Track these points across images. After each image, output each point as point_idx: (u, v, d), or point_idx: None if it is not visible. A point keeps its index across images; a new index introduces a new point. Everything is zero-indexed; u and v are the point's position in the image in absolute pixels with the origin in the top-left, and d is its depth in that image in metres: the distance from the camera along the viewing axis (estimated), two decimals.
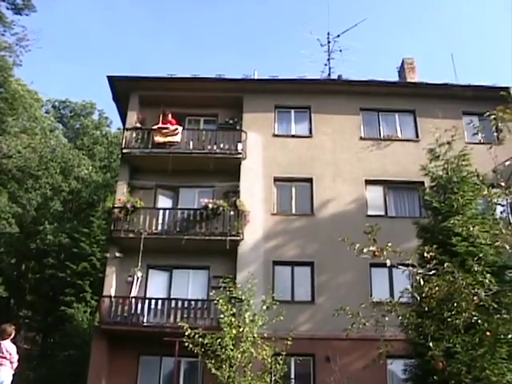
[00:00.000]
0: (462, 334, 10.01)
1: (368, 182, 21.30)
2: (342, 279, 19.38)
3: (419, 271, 8.36)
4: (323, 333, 18.15)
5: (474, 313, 8.39)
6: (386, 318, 9.53)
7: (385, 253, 8.25)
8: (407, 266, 8.62)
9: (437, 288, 8.25)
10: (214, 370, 13.70)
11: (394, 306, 9.38)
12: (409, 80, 24.97)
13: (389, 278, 19.21)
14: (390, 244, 8.47)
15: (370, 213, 20.58)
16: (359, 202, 20.85)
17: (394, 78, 26.15)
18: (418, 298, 8.64)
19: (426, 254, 8.60)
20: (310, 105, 22.80)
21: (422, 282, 8.30)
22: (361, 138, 22.17)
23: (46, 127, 40.55)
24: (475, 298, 8.15)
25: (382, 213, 20.88)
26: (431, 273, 8.39)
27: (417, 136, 22.24)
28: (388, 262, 8.14)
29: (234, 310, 14.89)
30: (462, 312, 8.38)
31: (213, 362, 13.79)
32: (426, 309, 9.13)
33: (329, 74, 26.50)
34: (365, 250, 8.12)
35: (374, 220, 10.93)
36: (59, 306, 31.47)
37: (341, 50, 26.98)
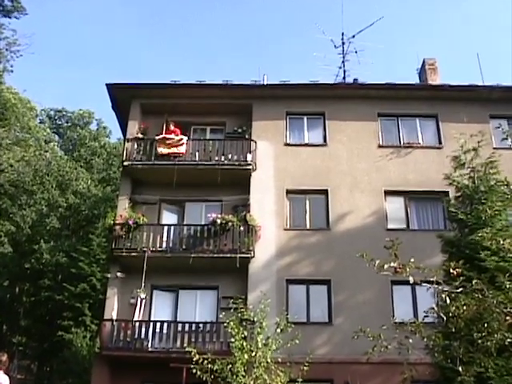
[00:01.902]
0: (495, 357, 9.98)
1: (388, 193, 21.31)
2: (362, 298, 19.34)
3: (445, 289, 8.39)
4: (342, 356, 18.11)
5: (507, 334, 8.38)
6: (410, 340, 9.56)
7: (407, 269, 8.31)
8: (432, 283, 8.65)
9: (465, 307, 8.27)
10: None
11: (418, 327, 9.41)
12: (430, 82, 24.98)
13: (412, 296, 19.14)
14: (412, 259, 8.52)
15: (390, 226, 20.58)
16: (378, 215, 20.86)
17: (414, 80, 26.21)
18: (445, 318, 8.66)
19: (451, 270, 8.63)
20: (324, 111, 22.91)
21: (448, 301, 8.33)
22: (379, 146, 22.23)
23: (40, 138, 40.98)
24: (508, 317, 8.15)
25: (404, 226, 20.86)
26: (458, 290, 8.42)
27: (440, 142, 22.26)
28: (411, 279, 8.19)
29: (246, 333, 14.93)
30: (494, 333, 8.38)
31: None
32: (454, 330, 9.14)
33: (343, 78, 26.61)
34: (385, 267, 8.17)
35: (395, 234, 10.95)
36: (56, 331, 31.52)
37: (356, 52, 27.08)
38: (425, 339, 9.76)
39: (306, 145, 22.57)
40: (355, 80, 24.86)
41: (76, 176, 40.28)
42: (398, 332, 9.67)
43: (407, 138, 22.59)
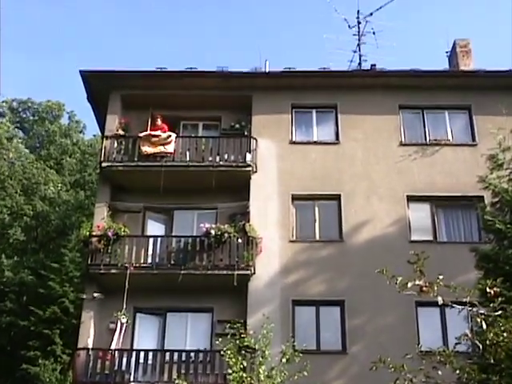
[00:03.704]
0: None
1: (411, 199, 21.40)
2: (381, 323, 19.40)
3: (480, 311, 8.43)
4: None
5: None
6: (439, 373, 9.58)
7: (435, 288, 8.36)
8: (464, 304, 8.71)
9: (505, 333, 8.30)
10: None
11: (448, 357, 9.43)
12: (462, 68, 25.08)
13: (441, 320, 19.23)
14: (441, 277, 8.58)
15: (414, 238, 20.67)
16: (400, 225, 20.94)
17: (444, 65, 26.34)
18: (481, 347, 8.67)
19: (488, 290, 8.67)
20: (336, 103, 23.04)
21: (484, 326, 8.36)
22: (401, 144, 22.34)
23: (1, 135, 40.94)
24: None
25: (430, 237, 20.96)
26: (497, 313, 8.45)
27: (473, 139, 22.41)
28: (439, 300, 8.23)
29: (245, 364, 14.97)
30: None
31: None
32: (492, 361, 9.14)
33: (359, 64, 26.79)
34: (409, 285, 8.22)
35: (420, 247, 10.99)
36: (20, 363, 31.36)
37: (374, 33, 27.31)
38: (457, 371, 9.76)
39: (315, 143, 22.69)
40: (373, 66, 24.95)
41: (44, 179, 40.28)
42: (424, 363, 9.70)
43: (434, 135, 22.71)
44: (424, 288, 8.17)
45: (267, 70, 24.09)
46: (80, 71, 22.80)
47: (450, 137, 22.68)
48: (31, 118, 48.80)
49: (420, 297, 8.79)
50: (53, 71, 76.75)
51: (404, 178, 21.63)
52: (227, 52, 76.53)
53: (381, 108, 22.77)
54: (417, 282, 8.19)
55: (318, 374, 17.00)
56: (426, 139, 22.62)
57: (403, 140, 22.47)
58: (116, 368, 18.73)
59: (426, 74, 23.19)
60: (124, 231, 20.50)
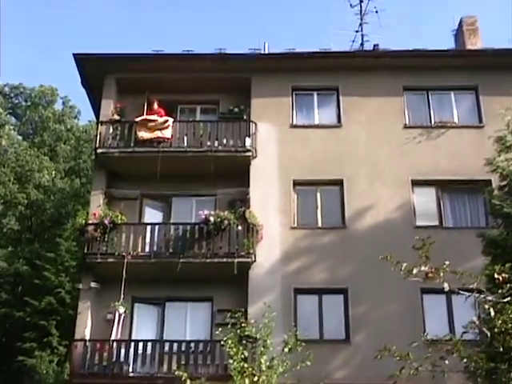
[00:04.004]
0: None
1: (416, 184, 21.39)
2: (386, 310, 19.43)
3: (488, 298, 8.42)
4: (363, 381, 18.14)
5: None
6: (446, 362, 9.59)
7: (441, 274, 8.35)
8: (471, 291, 8.70)
9: None
10: None
11: (455, 346, 9.44)
12: (469, 47, 24.95)
13: (447, 307, 19.28)
14: (447, 262, 8.57)
15: (419, 223, 20.67)
16: (405, 210, 20.94)
17: (449, 45, 26.22)
18: (489, 335, 8.67)
19: (496, 276, 8.67)
20: (338, 85, 22.97)
21: (492, 313, 8.35)
22: (405, 126, 22.29)
23: None
24: None
25: (436, 222, 20.97)
26: (505, 300, 8.44)
27: (480, 121, 22.36)
28: (446, 287, 8.23)
29: (247, 354, 14.96)
30: None
31: None
32: (501, 349, 9.14)
33: (361, 44, 26.67)
34: (414, 271, 8.23)
35: (426, 232, 10.94)
36: (15, 355, 31.45)
37: (377, 12, 27.14)
38: (464, 360, 9.77)
39: (317, 126, 22.66)
40: (376, 46, 24.85)
41: (38, 166, 40.21)
42: (430, 351, 9.72)
43: (439, 116, 22.66)
44: (430, 274, 8.18)
45: (266, 52, 23.98)
46: (73, 55, 22.75)
47: (455, 119, 22.63)
48: (24, 103, 48.62)
49: (425, 283, 8.79)
50: (45, 55, 76.49)
51: (408, 162, 21.58)
52: (225, 35, 76.17)
53: (384, 90, 22.70)
54: (422, 268, 8.20)
55: (321, 364, 17.04)
56: (430, 121, 22.57)
57: (407, 122, 22.42)
58: (114, 359, 18.78)
59: (431, 53, 23.11)
60: (121, 219, 20.51)
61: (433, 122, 22.51)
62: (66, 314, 31.45)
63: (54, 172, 41.23)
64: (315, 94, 23.20)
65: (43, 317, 32.32)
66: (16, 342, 32.34)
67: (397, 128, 22.23)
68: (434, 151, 21.76)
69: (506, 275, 8.58)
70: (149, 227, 20.77)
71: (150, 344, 19.13)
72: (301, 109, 23.09)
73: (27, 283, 34.95)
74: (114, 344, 19.06)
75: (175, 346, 19.01)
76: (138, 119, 21.86)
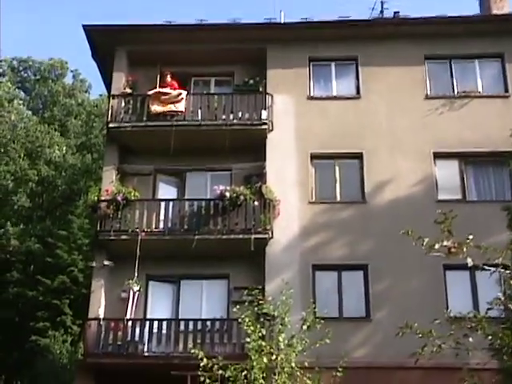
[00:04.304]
0: None
1: (438, 156, 21.28)
2: (407, 287, 19.44)
3: None
4: (384, 360, 18.27)
5: None
6: (470, 339, 9.59)
7: (464, 249, 8.34)
8: (496, 266, 8.69)
9: None
10: None
11: (479, 323, 9.44)
12: (495, 12, 24.56)
13: (471, 284, 19.27)
14: (470, 237, 8.55)
15: (441, 197, 20.60)
16: (426, 183, 20.87)
17: (474, 10, 25.93)
18: None
19: None
20: (357, 55, 22.81)
21: None
22: (426, 97, 22.14)
23: (0, 96, 40.92)
24: None
25: (459, 196, 20.89)
26: None
27: (506, 90, 22.18)
28: (469, 262, 8.23)
29: (264, 332, 15.10)
30: None
31: None
32: None
33: (381, 12, 26.39)
34: (436, 246, 8.22)
35: (448, 206, 10.88)
36: (28, 335, 31.74)
37: None
38: (489, 338, 9.77)
39: (335, 98, 22.56)
40: (396, 14, 24.63)
41: (49, 142, 40.34)
42: (453, 329, 9.72)
43: (463, 86, 22.45)
44: (452, 249, 8.16)
45: (282, 21, 23.82)
46: (83, 26, 22.70)
47: (479, 88, 22.43)
48: (33, 77, 48.65)
49: (448, 259, 8.78)
50: (54, 27, 76.42)
51: (430, 134, 21.44)
52: (240, 4, 75.79)
53: (405, 59, 22.51)
54: (445, 243, 8.18)
55: (340, 342, 17.16)
56: (453, 91, 22.38)
57: (429, 93, 22.25)
58: (129, 338, 18.94)
59: (454, 19, 22.84)
60: (134, 195, 20.57)
61: (456, 92, 22.32)
62: (79, 293, 31.79)
63: (64, 148, 41.35)
64: (333, 64, 23.06)
65: (56, 296, 32.65)
66: (29, 321, 32.70)
67: (418, 99, 22.07)
68: (456, 122, 21.60)
69: None
70: (163, 203, 20.83)
71: (165, 323, 19.26)
72: (318, 80, 22.97)
73: (39, 262, 35.25)
74: (129, 323, 19.20)
75: (191, 324, 19.09)
76: (150, 92, 21.84)
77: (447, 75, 22.69)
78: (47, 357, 29.86)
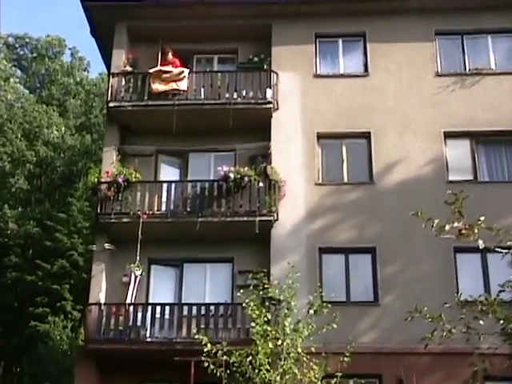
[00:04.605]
0: None
1: (449, 136, 21.22)
2: (416, 270, 19.45)
3: None
4: (392, 345, 18.34)
5: None
6: (481, 323, 9.63)
7: (475, 231, 8.36)
8: (508, 249, 8.71)
9: None
10: None
11: (491, 306, 9.46)
12: None
13: (482, 266, 19.28)
14: (482, 218, 8.56)
15: (452, 178, 20.56)
16: (437, 164, 20.83)
17: None
18: None
19: None
20: (365, 31, 22.71)
21: None
22: (437, 74, 22.04)
23: None
24: None
25: (470, 177, 20.82)
26: None
27: None
28: (481, 245, 8.25)
29: (270, 317, 15.20)
30: None
31: None
32: None
33: None
34: (447, 228, 8.22)
35: (459, 187, 10.87)
36: (27, 321, 31.92)
37: None
38: (501, 322, 9.78)
39: (342, 75, 22.47)
40: None
41: (47, 122, 40.40)
42: (464, 312, 9.75)
43: (475, 63, 22.32)
44: (463, 231, 8.17)
45: None
46: (81, 1, 22.61)
47: (492, 65, 22.30)
48: (29, 55, 48.58)
49: (459, 241, 8.79)
50: (51, 2, 76.16)
51: (441, 112, 21.38)
52: None
53: (414, 35, 22.39)
54: (455, 225, 8.18)
55: (347, 327, 17.23)
56: (465, 68, 22.25)
57: (440, 70, 22.15)
58: (131, 324, 18.99)
59: None
60: (135, 177, 20.58)
61: (467, 69, 22.19)
62: (80, 278, 31.97)
63: (63, 128, 41.45)
64: (340, 40, 22.98)
65: (56, 281, 32.84)
66: (28, 307, 32.92)
67: (428, 76, 21.98)
68: (468, 100, 21.52)
69: None
70: (165, 185, 20.82)
71: (167, 307, 19.29)
72: (325, 57, 22.89)
73: (38, 245, 35.41)
74: (131, 308, 19.26)
75: (194, 309, 19.13)
76: (151, 70, 21.76)
77: (459, 51, 22.57)
78: (47, 343, 30.03)
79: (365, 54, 22.55)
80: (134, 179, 20.50)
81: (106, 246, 20.37)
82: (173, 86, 21.44)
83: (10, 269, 34.99)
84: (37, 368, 30.36)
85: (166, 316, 19.13)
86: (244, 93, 21.45)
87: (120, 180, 20.26)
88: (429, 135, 21.12)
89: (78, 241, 33.89)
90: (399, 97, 21.74)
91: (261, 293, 15.70)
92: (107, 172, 20.66)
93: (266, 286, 15.76)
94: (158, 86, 21.41)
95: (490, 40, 22.62)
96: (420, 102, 21.58)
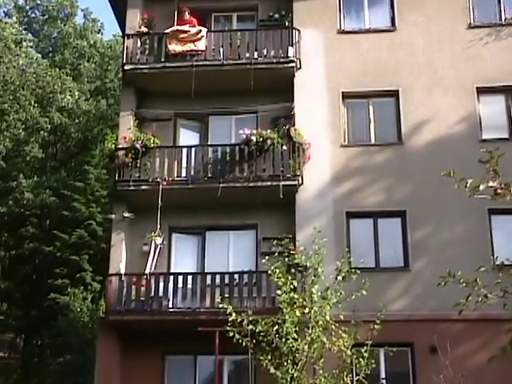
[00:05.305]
0: None
1: (482, 91, 21.03)
2: (449, 234, 19.41)
3: None
4: (424, 312, 18.42)
5: None
6: None
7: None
8: None
9: None
10: (272, 370, 14.16)
11: None
12: None
13: None
14: None
15: (485, 136, 20.41)
16: (469, 122, 20.67)
17: None
18: None
19: None
20: None
21: None
22: (470, 26, 21.75)
23: (7, 38, 40.84)
24: None
25: (506, 135, 20.64)
26: None
27: None
28: None
29: (296, 284, 15.24)
30: None
31: (269, 358, 14.26)
32: None
33: None
34: (481, 188, 8.15)
35: (493, 146, 10.74)
36: (47, 293, 32.20)
37: None
38: None
39: (368, 31, 22.29)
40: None
41: (60, 87, 40.38)
42: (500, 277, 9.70)
43: (511, 12, 22.00)
44: (499, 191, 8.10)
45: None
46: None
47: None
48: (41, 17, 48.45)
49: (494, 202, 8.73)
50: None
51: (474, 67, 21.16)
52: None
53: None
54: (490, 184, 8.11)
55: (377, 293, 17.32)
56: (500, 18, 21.89)
57: (472, 21, 21.84)
58: (152, 294, 19.15)
59: None
60: (154, 142, 20.62)
61: (503, 20, 21.84)
62: (99, 248, 32.19)
63: (77, 93, 41.42)
64: None
65: (74, 251, 33.05)
66: (46, 278, 33.20)
67: (460, 28, 21.71)
68: (503, 53, 21.24)
69: None
70: (185, 150, 20.87)
71: (190, 277, 19.45)
72: (349, 11, 22.67)
73: (55, 215, 35.68)
74: (152, 278, 19.42)
75: (218, 278, 19.26)
76: (168, 30, 21.71)
77: (493, 0, 22.23)
78: (67, 315, 30.28)
79: (391, 6, 22.29)
80: (152, 144, 20.54)
81: (125, 214, 20.48)
82: (190, 46, 21.39)
83: (27, 239, 35.29)
84: (58, 340, 30.72)
85: (189, 286, 19.28)
86: (265, 52, 21.37)
87: (138, 146, 20.30)
88: (460, 92, 20.93)
89: (96, 210, 34.05)
90: (428, 52, 21.52)
91: (286, 260, 15.75)
92: (124, 137, 20.75)
93: (291, 252, 15.82)
94: (174, 47, 21.37)
95: None
96: (451, 57, 21.36)
